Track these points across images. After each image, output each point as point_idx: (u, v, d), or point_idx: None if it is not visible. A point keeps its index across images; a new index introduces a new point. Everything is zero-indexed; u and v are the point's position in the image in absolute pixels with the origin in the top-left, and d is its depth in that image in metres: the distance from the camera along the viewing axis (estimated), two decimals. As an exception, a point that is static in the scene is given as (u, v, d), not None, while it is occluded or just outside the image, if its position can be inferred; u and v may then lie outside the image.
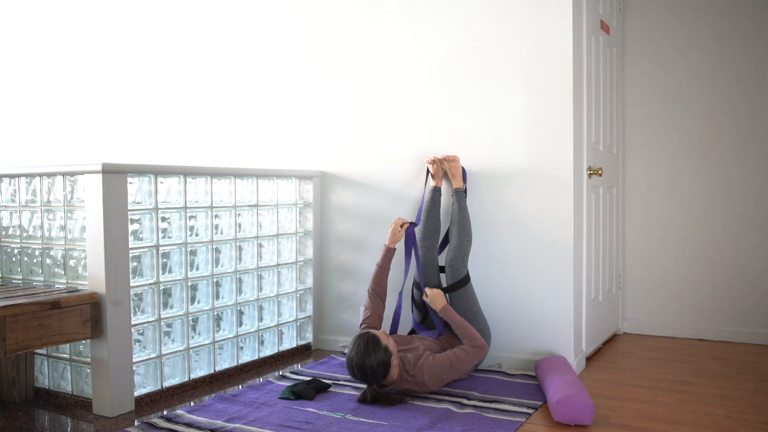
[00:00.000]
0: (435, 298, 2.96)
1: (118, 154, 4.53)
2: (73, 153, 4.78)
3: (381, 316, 3.04)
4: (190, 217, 2.98)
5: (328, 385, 2.87)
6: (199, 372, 3.03)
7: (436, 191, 3.25)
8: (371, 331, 2.69)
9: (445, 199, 3.32)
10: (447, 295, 3.08)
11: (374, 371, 2.59)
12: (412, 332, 3.19)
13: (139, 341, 2.76)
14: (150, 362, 2.81)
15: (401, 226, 3.10)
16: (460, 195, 3.15)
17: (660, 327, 3.92)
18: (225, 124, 4.05)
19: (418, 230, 3.22)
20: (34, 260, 2.87)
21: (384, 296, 3.06)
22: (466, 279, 3.06)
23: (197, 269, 3.01)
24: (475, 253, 3.24)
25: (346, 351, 3.50)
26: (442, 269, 3.18)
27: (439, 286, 3.12)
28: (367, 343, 2.62)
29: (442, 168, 3.26)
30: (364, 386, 2.78)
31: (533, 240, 3.14)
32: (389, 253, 3.08)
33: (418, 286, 3.16)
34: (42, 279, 2.84)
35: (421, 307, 3.16)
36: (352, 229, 3.62)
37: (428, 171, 3.29)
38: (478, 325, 3.00)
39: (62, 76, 4.85)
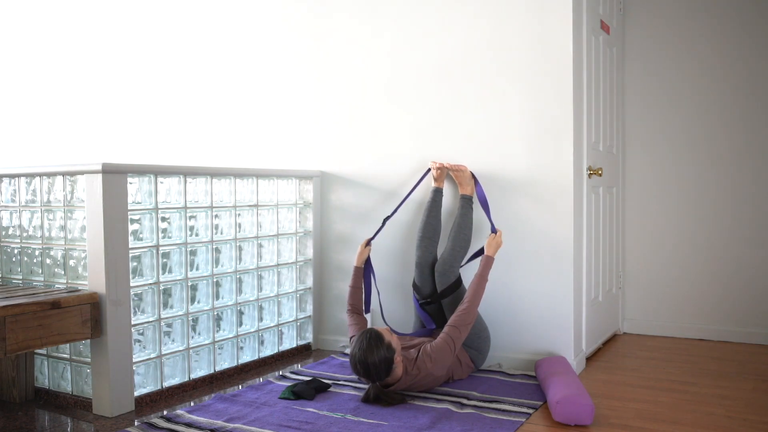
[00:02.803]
0: (496, 242, 2.96)
1: (118, 154, 4.53)
2: (73, 153, 4.79)
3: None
4: (190, 217, 2.98)
5: (328, 385, 2.87)
6: (199, 372, 3.03)
7: (437, 192, 3.24)
8: (375, 327, 2.69)
9: (447, 202, 3.32)
10: (440, 301, 3.08)
11: (377, 367, 2.59)
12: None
13: (139, 341, 2.77)
14: (150, 362, 2.81)
15: (366, 246, 3.23)
16: (466, 202, 3.15)
17: (660, 327, 3.92)
18: (225, 124, 4.05)
19: (418, 230, 3.21)
20: (34, 260, 2.87)
21: (362, 312, 3.16)
22: (457, 284, 3.05)
23: (197, 269, 3.01)
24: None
25: (348, 350, 3.51)
26: None
27: (434, 288, 3.11)
28: (370, 339, 2.62)
29: (446, 173, 3.26)
30: (366, 386, 2.78)
31: (533, 240, 3.14)
32: (357, 272, 3.19)
33: (417, 289, 3.16)
34: (42, 279, 2.85)
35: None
36: (352, 229, 3.62)
37: (428, 170, 3.29)
38: (475, 328, 3.00)
39: (62, 76, 4.85)
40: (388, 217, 3.29)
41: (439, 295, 3.05)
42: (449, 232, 3.16)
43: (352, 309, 3.13)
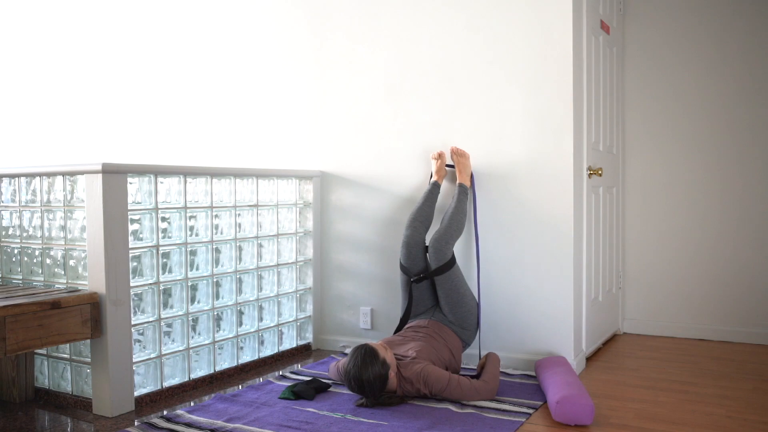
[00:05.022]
0: (495, 359, 2.92)
1: (118, 154, 4.53)
2: (73, 153, 4.79)
3: None
4: (190, 217, 2.98)
5: (328, 385, 2.87)
6: (199, 372, 3.03)
7: (435, 186, 3.24)
8: (369, 343, 2.64)
9: (443, 200, 3.32)
10: (434, 278, 3.04)
11: (371, 384, 2.55)
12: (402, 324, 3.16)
13: (139, 341, 2.77)
14: (150, 362, 2.81)
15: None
16: (462, 190, 3.14)
17: (660, 327, 3.92)
18: (225, 124, 4.05)
19: (411, 213, 3.17)
20: (34, 260, 2.87)
21: None
22: (452, 262, 3.02)
23: (197, 269, 3.01)
24: (474, 253, 3.24)
25: (349, 350, 3.50)
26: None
27: (425, 267, 3.09)
28: (365, 355, 2.56)
29: (446, 167, 3.26)
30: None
31: (533, 240, 3.14)
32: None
33: (406, 270, 3.11)
34: (42, 279, 2.84)
35: (408, 298, 3.13)
36: (352, 229, 3.62)
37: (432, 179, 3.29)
38: (465, 306, 2.99)
39: (62, 76, 4.85)
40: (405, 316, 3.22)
41: (434, 272, 3.02)
42: (443, 216, 3.14)
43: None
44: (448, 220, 3.07)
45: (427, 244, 3.13)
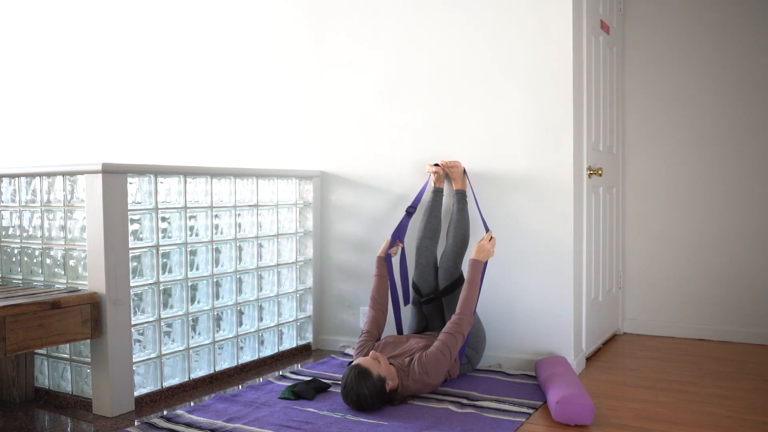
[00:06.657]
0: (485, 248, 2.91)
1: (118, 154, 4.53)
2: (73, 153, 4.79)
3: (381, 330, 3.03)
4: (190, 217, 2.98)
5: (328, 385, 2.87)
6: (199, 372, 3.03)
7: (438, 192, 3.25)
8: (361, 362, 2.59)
9: (447, 200, 3.32)
10: (442, 298, 3.08)
11: (370, 404, 2.53)
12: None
13: (139, 341, 2.76)
14: (150, 362, 2.81)
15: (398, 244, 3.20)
16: (461, 197, 3.15)
17: (660, 327, 3.92)
18: (225, 124, 4.05)
19: (419, 230, 3.22)
20: (34, 260, 2.87)
21: (383, 307, 3.06)
22: (460, 281, 3.05)
23: (197, 269, 3.01)
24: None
25: (349, 350, 3.51)
26: None
27: (436, 287, 3.11)
28: (357, 377, 2.54)
29: (444, 171, 3.27)
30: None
31: (533, 240, 3.14)
32: (379, 261, 3.13)
33: (417, 289, 3.16)
34: (42, 279, 2.84)
35: (419, 316, 3.16)
36: (352, 229, 3.62)
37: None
38: (473, 327, 2.99)
39: (62, 76, 4.85)
40: (411, 211, 3.25)
41: (442, 292, 3.05)
42: (447, 229, 3.16)
43: (371, 299, 3.06)
44: (453, 236, 3.09)
45: (437, 258, 3.17)
